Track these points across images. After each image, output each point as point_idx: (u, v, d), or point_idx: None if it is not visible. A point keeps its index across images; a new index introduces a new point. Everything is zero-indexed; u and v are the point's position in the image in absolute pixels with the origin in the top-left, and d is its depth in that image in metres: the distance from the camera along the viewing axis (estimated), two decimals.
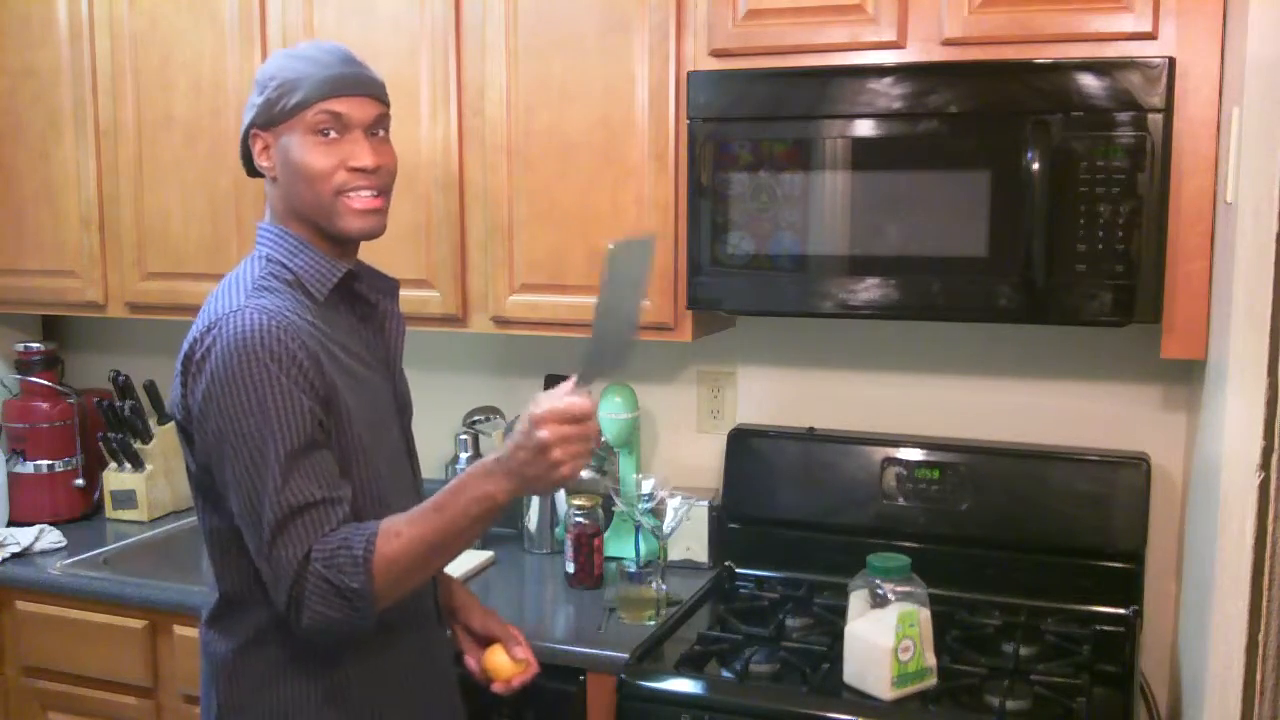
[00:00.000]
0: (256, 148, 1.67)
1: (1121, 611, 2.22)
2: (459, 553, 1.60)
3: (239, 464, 1.51)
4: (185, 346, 1.58)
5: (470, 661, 1.85)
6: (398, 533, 1.50)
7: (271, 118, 1.64)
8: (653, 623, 2.19)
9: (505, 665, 1.82)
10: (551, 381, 2.68)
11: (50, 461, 2.88)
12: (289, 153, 1.63)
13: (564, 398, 1.46)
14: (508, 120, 2.35)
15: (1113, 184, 1.91)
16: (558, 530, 2.61)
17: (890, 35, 2.06)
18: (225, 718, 1.68)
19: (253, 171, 1.73)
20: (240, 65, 2.54)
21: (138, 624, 2.43)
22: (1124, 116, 1.90)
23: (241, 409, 1.50)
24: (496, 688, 1.81)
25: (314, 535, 1.49)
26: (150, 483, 2.88)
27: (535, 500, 2.62)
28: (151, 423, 2.91)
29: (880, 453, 2.40)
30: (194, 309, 2.73)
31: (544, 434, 1.44)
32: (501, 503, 1.50)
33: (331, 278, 1.67)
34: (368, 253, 2.19)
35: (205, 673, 1.73)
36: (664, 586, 2.27)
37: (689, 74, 2.18)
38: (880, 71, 2.04)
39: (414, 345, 2.86)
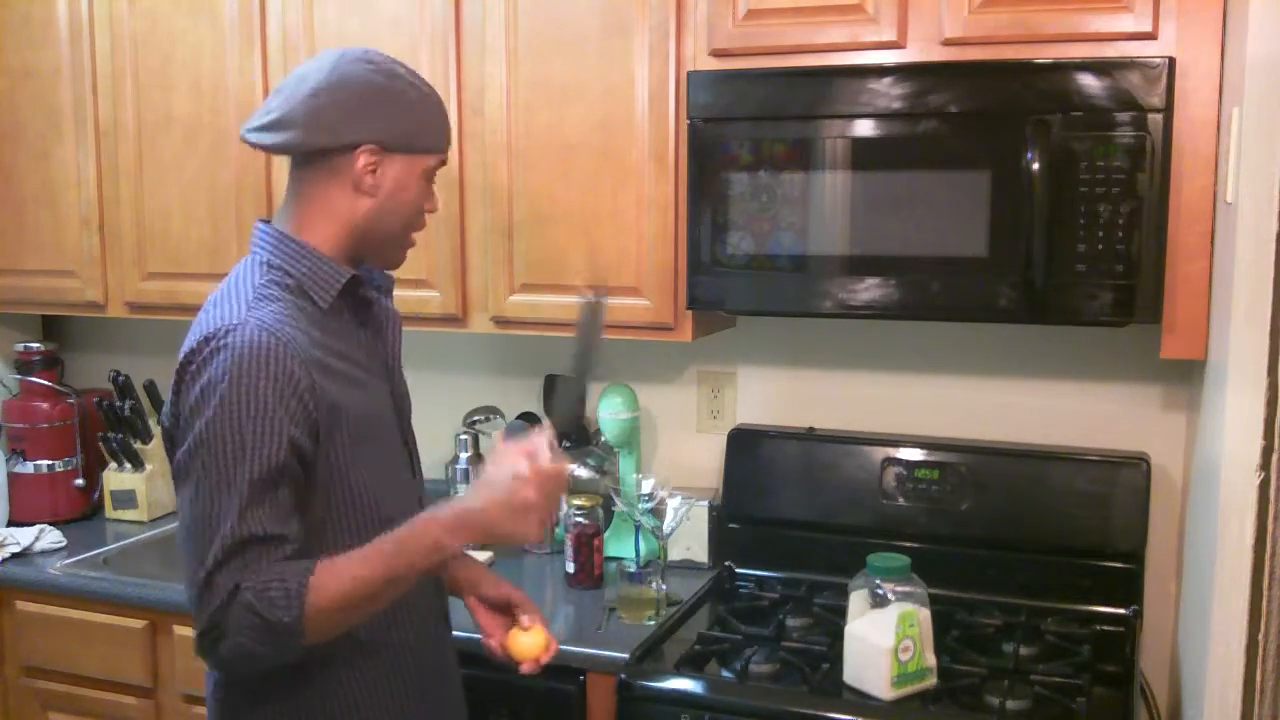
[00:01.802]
0: (362, 159, 1.60)
1: (1121, 611, 2.22)
2: (393, 600, 1.55)
3: (207, 478, 1.47)
4: (181, 355, 1.53)
5: (492, 644, 1.77)
6: (338, 573, 1.47)
7: (403, 146, 1.62)
8: (653, 623, 2.19)
9: (530, 645, 1.75)
10: (551, 382, 2.68)
11: (50, 461, 2.88)
12: (402, 184, 1.64)
13: (549, 456, 1.48)
14: (508, 120, 2.35)
15: (1113, 184, 1.91)
16: (558, 530, 2.61)
17: (890, 35, 2.06)
18: None
19: (288, 156, 1.66)
20: (240, 65, 2.54)
21: (138, 624, 2.43)
22: (1124, 116, 1.90)
23: (225, 425, 1.47)
24: (526, 668, 1.74)
25: (255, 569, 1.46)
26: (150, 483, 2.88)
27: None
28: (151, 423, 2.91)
29: (880, 453, 2.40)
30: (194, 309, 2.72)
31: (531, 495, 1.45)
32: (454, 555, 1.51)
33: (335, 284, 1.64)
34: None
35: (205, 690, 1.71)
36: (664, 586, 2.27)
37: (689, 74, 2.18)
38: (880, 71, 2.04)
39: (414, 345, 2.86)
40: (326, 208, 1.63)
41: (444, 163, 1.70)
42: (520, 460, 1.47)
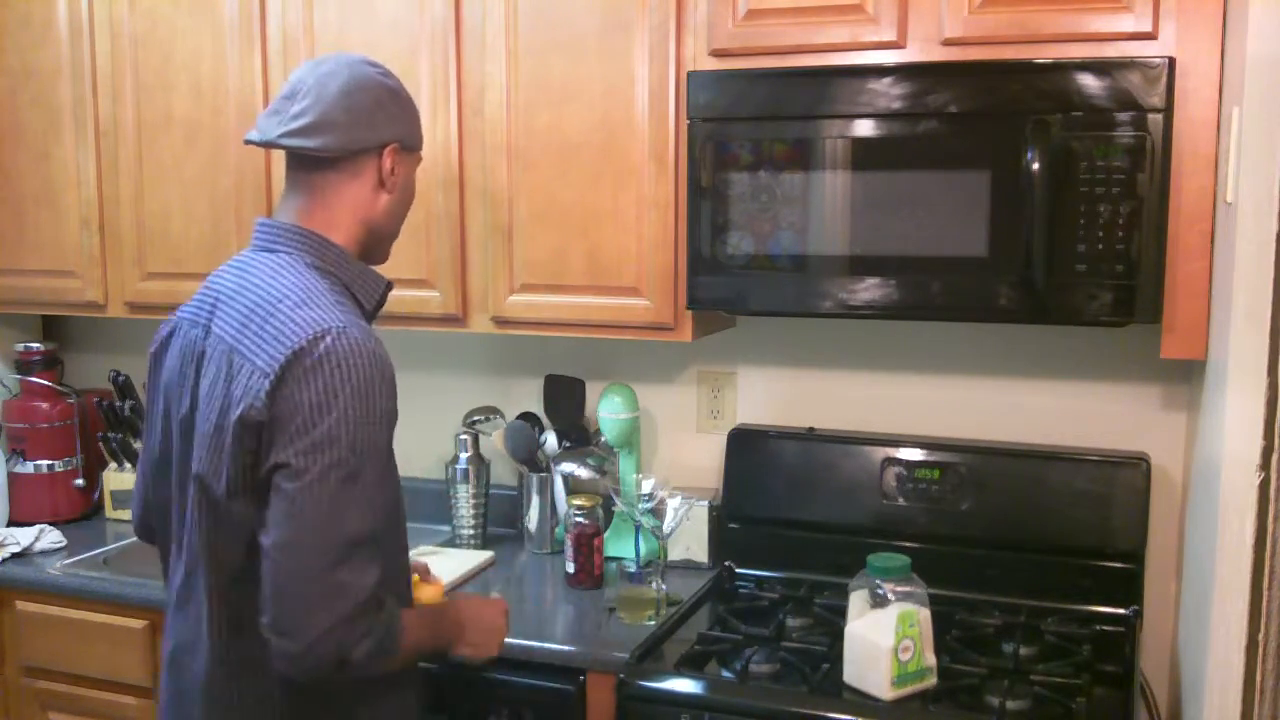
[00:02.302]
0: (390, 158, 1.71)
1: (1121, 611, 2.21)
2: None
3: (332, 479, 1.50)
4: (286, 350, 1.53)
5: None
6: (412, 625, 1.65)
7: (409, 142, 1.77)
8: (653, 623, 2.19)
9: (432, 593, 1.98)
10: (551, 382, 2.68)
11: (50, 461, 2.88)
12: (408, 181, 1.78)
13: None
14: (508, 120, 2.35)
15: (1113, 184, 1.91)
16: (558, 530, 2.61)
17: (890, 35, 2.06)
18: None
19: (309, 159, 1.68)
20: (240, 65, 2.54)
21: (138, 624, 2.43)
22: (1124, 116, 1.90)
23: (351, 426, 1.51)
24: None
25: (377, 568, 1.54)
26: None
27: (535, 500, 2.62)
28: None
29: (880, 453, 2.40)
30: None
31: (499, 640, 1.88)
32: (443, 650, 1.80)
33: (377, 288, 1.74)
34: None
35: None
36: (664, 586, 2.27)
37: (689, 74, 2.18)
38: (880, 71, 2.04)
39: (414, 345, 2.86)
40: (350, 205, 1.70)
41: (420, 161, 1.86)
42: (499, 619, 1.90)
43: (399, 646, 1.58)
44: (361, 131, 1.67)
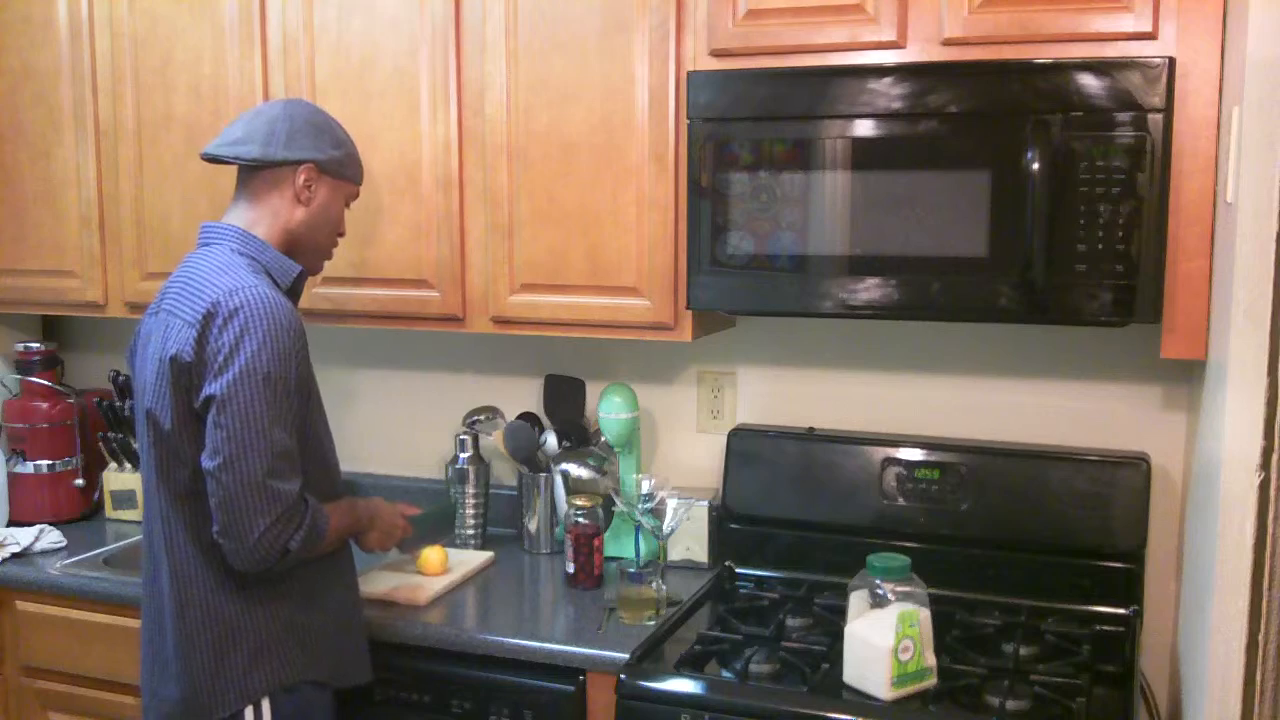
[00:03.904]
0: (303, 175, 2.02)
1: (1121, 611, 2.22)
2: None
3: (255, 404, 1.82)
4: (205, 305, 1.86)
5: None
6: (334, 512, 1.99)
7: (334, 171, 2.05)
8: (653, 623, 2.19)
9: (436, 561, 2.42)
10: (551, 382, 2.68)
11: (50, 461, 2.88)
12: (329, 204, 2.07)
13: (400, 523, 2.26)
14: (508, 120, 2.35)
15: (1113, 184, 1.91)
16: (558, 530, 2.61)
17: (890, 35, 2.06)
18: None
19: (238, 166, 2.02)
20: (240, 65, 2.54)
21: (137, 624, 2.42)
22: (1124, 116, 1.90)
23: (263, 363, 1.83)
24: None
25: (299, 475, 1.87)
26: None
27: (535, 500, 2.62)
28: None
29: (880, 453, 2.40)
30: None
31: (396, 536, 2.25)
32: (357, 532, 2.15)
33: (291, 272, 2.04)
34: (374, 249, 2.18)
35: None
36: (664, 586, 2.27)
37: (689, 74, 2.18)
38: (880, 71, 2.04)
39: (414, 345, 2.86)
40: (271, 210, 2.02)
41: (357, 195, 2.15)
42: (399, 519, 2.25)
43: (326, 533, 1.92)
44: (277, 148, 1.99)
